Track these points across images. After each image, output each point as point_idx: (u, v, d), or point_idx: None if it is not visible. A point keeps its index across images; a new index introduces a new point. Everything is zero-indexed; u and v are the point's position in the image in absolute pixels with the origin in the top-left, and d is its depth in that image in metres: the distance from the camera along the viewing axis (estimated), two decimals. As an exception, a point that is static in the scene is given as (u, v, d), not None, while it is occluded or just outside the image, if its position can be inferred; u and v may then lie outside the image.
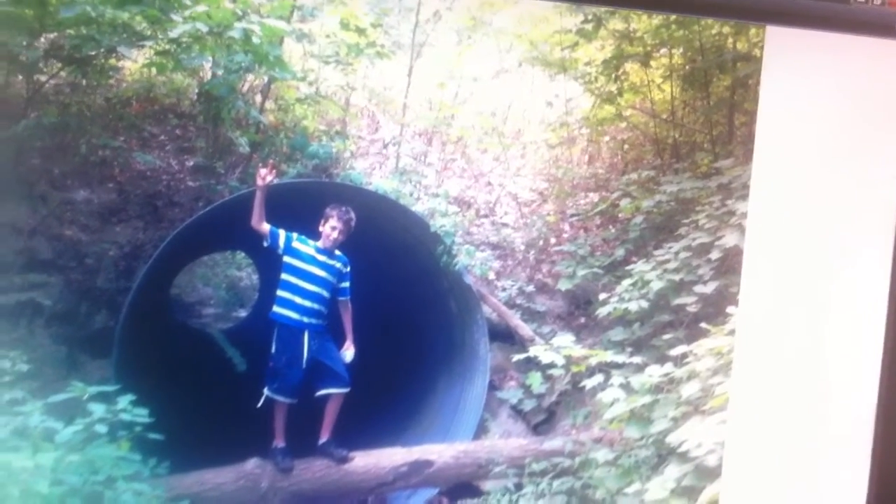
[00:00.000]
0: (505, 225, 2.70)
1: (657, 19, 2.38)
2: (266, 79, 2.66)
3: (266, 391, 2.02)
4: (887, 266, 1.42)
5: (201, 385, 2.31)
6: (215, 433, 2.09)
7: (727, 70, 2.39)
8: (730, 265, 1.81)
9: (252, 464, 1.98)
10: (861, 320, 1.45)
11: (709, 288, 1.89)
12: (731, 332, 1.59)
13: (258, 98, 2.76)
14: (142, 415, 1.71)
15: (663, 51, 2.58)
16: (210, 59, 2.43)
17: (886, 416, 1.44)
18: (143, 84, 2.61)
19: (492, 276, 2.48)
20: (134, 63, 2.49)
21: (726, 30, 2.29)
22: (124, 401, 1.72)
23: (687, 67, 2.51)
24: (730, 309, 1.66)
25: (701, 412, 1.62)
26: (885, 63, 1.44)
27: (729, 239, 1.82)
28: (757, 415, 1.51)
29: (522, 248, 2.58)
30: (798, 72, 1.51)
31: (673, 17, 2.20)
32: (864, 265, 1.45)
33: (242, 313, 3.22)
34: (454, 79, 2.92)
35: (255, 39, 2.39)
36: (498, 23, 2.80)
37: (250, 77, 2.68)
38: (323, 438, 2.06)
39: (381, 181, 2.57)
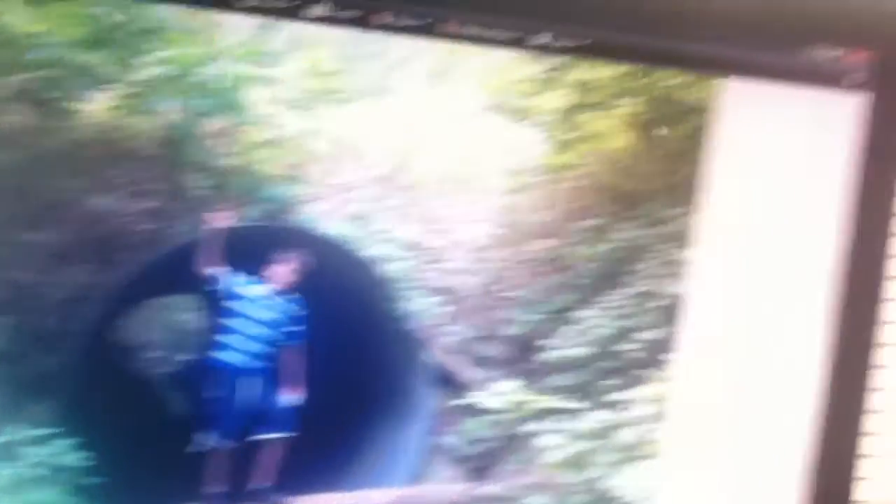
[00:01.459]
0: (456, 271, 2.71)
1: (622, 69, 2.41)
2: (227, 123, 2.67)
3: (207, 435, 2.01)
4: (825, 319, 1.44)
5: (142, 429, 2.29)
6: (155, 477, 2.07)
7: (683, 120, 2.41)
8: (671, 313, 1.81)
9: (190, 509, 1.96)
10: (798, 373, 1.46)
11: (651, 335, 1.89)
12: (669, 379, 1.60)
13: (218, 142, 2.77)
14: (82, 458, 1.70)
15: (621, 100, 2.61)
16: (175, 102, 2.45)
17: (821, 467, 1.45)
18: (104, 127, 2.62)
19: (440, 321, 2.48)
20: (97, 106, 2.50)
21: (683, 80, 2.32)
22: (64, 444, 1.71)
23: (643, 117, 2.54)
24: (669, 355, 1.66)
25: (636, 458, 1.62)
26: (833, 115, 1.46)
27: (672, 287, 1.82)
28: (691, 462, 1.51)
29: (473, 293, 2.58)
30: (748, 123, 1.53)
31: (637, 66, 2.23)
32: (804, 317, 1.46)
33: (186, 357, 3.19)
34: (414, 125, 2.93)
35: (223, 84, 2.41)
36: (461, 70, 2.82)
37: (212, 121, 2.69)
38: (263, 483, 2.05)
39: (335, 226, 2.57)
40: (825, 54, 1.45)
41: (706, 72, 1.63)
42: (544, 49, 1.72)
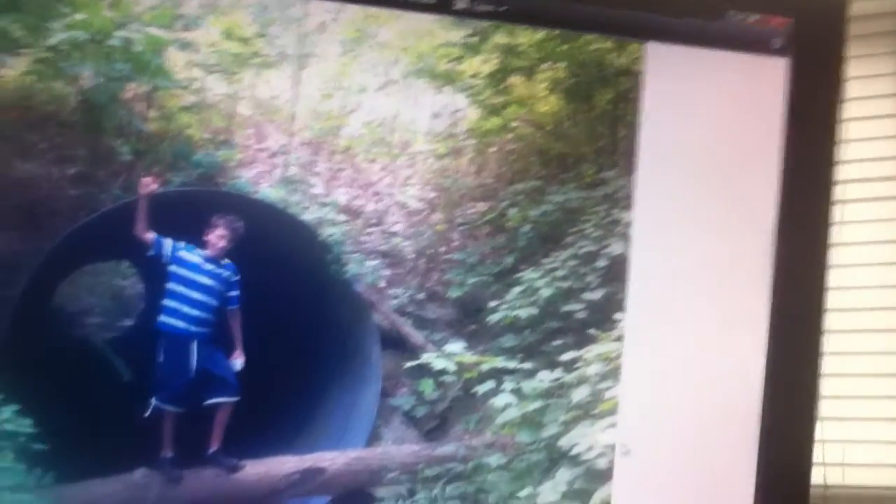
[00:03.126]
0: (394, 234, 2.71)
1: (541, 34, 2.42)
2: (148, 87, 2.62)
3: (153, 401, 1.98)
4: (767, 266, 1.48)
5: (87, 395, 2.25)
6: (102, 443, 2.04)
7: (609, 84, 2.44)
8: (616, 273, 1.85)
9: (139, 474, 1.93)
10: (743, 321, 1.51)
11: (596, 295, 1.92)
12: (619, 338, 1.63)
13: (141, 106, 2.71)
14: (25, 425, 1.66)
15: (547, 64, 2.63)
16: (90, 66, 2.39)
17: (770, 411, 1.50)
18: (22, 92, 2.54)
19: (382, 284, 2.48)
20: (12, 70, 2.43)
21: (608, 45, 2.34)
22: (7, 411, 1.67)
23: (570, 81, 2.56)
24: (617, 315, 1.69)
25: (591, 416, 1.65)
26: (761, 78, 1.50)
27: (615, 247, 1.85)
28: (646, 417, 1.55)
29: (412, 256, 2.58)
30: (677, 85, 1.56)
31: (556, 32, 2.25)
32: (744, 266, 1.51)
33: (128, 323, 3.14)
34: (341, 89, 2.91)
35: (136, 47, 2.36)
36: (383, 35, 2.81)
37: (132, 85, 2.63)
38: (213, 447, 2.03)
39: (268, 190, 2.55)
40: (743, 20, 1.49)
41: (628, 37, 1.65)
42: (465, 13, 1.73)
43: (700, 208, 1.59)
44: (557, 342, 1.86)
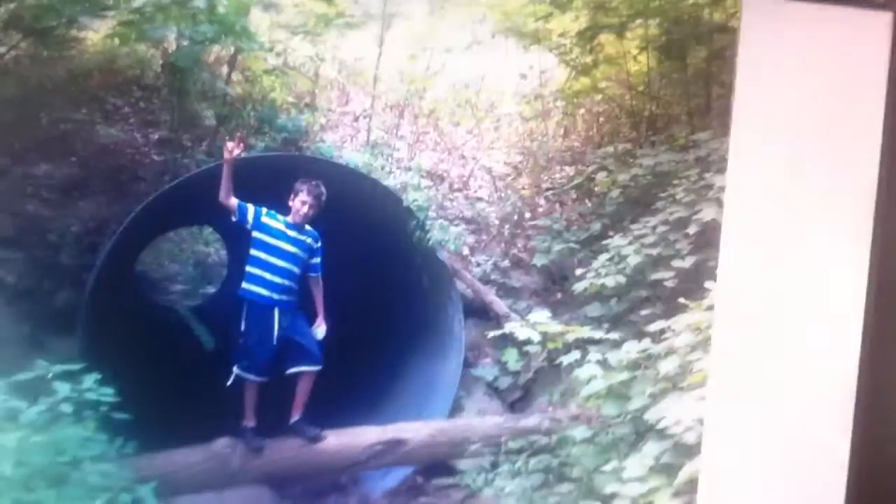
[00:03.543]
0: (479, 199, 2.68)
1: (634, -12, 2.36)
2: (232, 50, 2.61)
3: (236, 370, 1.99)
4: (867, 240, 1.40)
5: (169, 363, 2.28)
6: (184, 412, 2.06)
7: (703, 42, 2.36)
8: (707, 239, 1.79)
9: (222, 443, 1.95)
10: (840, 294, 1.43)
11: (686, 263, 1.86)
12: (710, 308, 1.57)
13: (224, 69, 2.71)
14: (108, 394, 1.67)
15: (639, 22, 2.56)
16: (174, 29, 2.38)
17: (867, 389, 1.42)
18: (106, 55, 2.56)
19: (466, 251, 2.46)
20: (96, 34, 2.44)
21: (702, 0, 2.26)
22: (90, 380, 1.68)
23: (663, 39, 2.49)
24: (708, 284, 1.63)
25: (679, 389, 1.60)
26: (864, 34, 1.41)
27: (706, 213, 1.79)
28: (736, 391, 1.49)
29: (497, 222, 2.55)
30: (775, 43, 1.48)
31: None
32: (843, 239, 1.43)
33: (210, 290, 3.18)
34: (426, 50, 2.88)
35: (220, 9, 2.35)
36: (469, -5, 2.77)
37: (216, 48, 2.63)
38: (294, 417, 2.03)
39: (352, 154, 2.53)
40: None
41: (724, -10, 1.57)
42: None
43: (797, 173, 1.50)
44: (645, 312, 1.81)
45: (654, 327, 1.68)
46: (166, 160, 2.36)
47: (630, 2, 2.37)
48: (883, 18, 1.37)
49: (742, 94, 1.45)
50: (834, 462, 1.39)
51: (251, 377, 1.98)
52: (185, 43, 2.42)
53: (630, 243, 1.97)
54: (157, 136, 2.46)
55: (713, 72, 2.26)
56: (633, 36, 2.51)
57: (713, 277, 1.56)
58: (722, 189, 1.57)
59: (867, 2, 1.38)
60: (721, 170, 1.66)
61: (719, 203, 1.62)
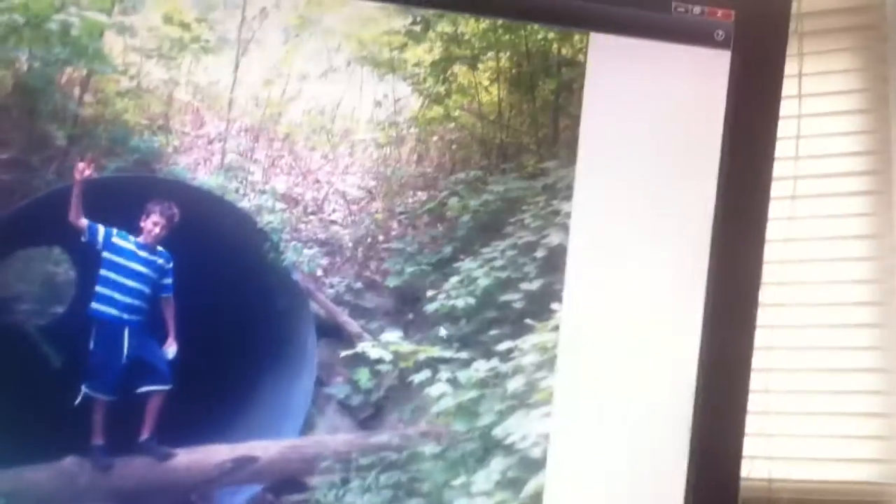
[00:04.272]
0: (333, 222, 2.68)
1: (484, 23, 2.41)
2: (85, 72, 2.57)
3: (84, 388, 1.95)
4: (704, 261, 1.48)
5: (16, 382, 2.21)
6: (31, 431, 2.00)
7: (552, 75, 2.43)
8: (554, 263, 1.84)
9: (69, 461, 1.90)
10: (678, 315, 1.51)
11: (534, 285, 1.91)
12: (556, 328, 1.62)
13: (77, 91, 2.66)
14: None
15: (490, 54, 2.62)
16: (27, 51, 2.34)
17: (704, 406, 1.50)
18: (-45, 76, 2.48)
19: (320, 272, 2.46)
20: (-56, 55, 2.37)
21: (551, 35, 2.33)
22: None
23: (513, 71, 2.55)
24: (554, 305, 1.68)
25: (526, 405, 1.64)
26: (704, 70, 1.50)
27: (553, 238, 1.85)
28: (580, 408, 1.55)
29: (351, 245, 2.56)
30: (621, 77, 1.56)
31: (499, 21, 2.24)
32: (682, 261, 1.51)
33: (59, 309, 3.09)
34: (281, 76, 2.88)
35: (73, 32, 2.31)
36: (326, 22, 2.79)
37: (69, 70, 2.58)
38: (144, 436, 2.00)
39: (206, 177, 2.51)
40: (687, 11, 1.49)
41: (572, 27, 1.64)
42: (409, 0, 1.72)
43: (640, 201, 1.59)
44: (494, 332, 1.86)
45: (502, 347, 1.73)
46: (15, 180, 2.31)
47: (482, 35, 2.42)
48: (722, 56, 1.47)
49: (588, 126, 1.53)
50: (673, 473, 1.47)
51: (99, 396, 1.95)
52: (38, 64, 2.37)
53: (480, 266, 2.02)
54: (6, 156, 2.40)
55: (561, 104, 2.32)
56: (485, 67, 2.56)
57: (559, 299, 1.62)
58: (568, 215, 1.64)
59: (708, 40, 1.47)
60: (567, 197, 1.72)
61: (565, 228, 1.68)
